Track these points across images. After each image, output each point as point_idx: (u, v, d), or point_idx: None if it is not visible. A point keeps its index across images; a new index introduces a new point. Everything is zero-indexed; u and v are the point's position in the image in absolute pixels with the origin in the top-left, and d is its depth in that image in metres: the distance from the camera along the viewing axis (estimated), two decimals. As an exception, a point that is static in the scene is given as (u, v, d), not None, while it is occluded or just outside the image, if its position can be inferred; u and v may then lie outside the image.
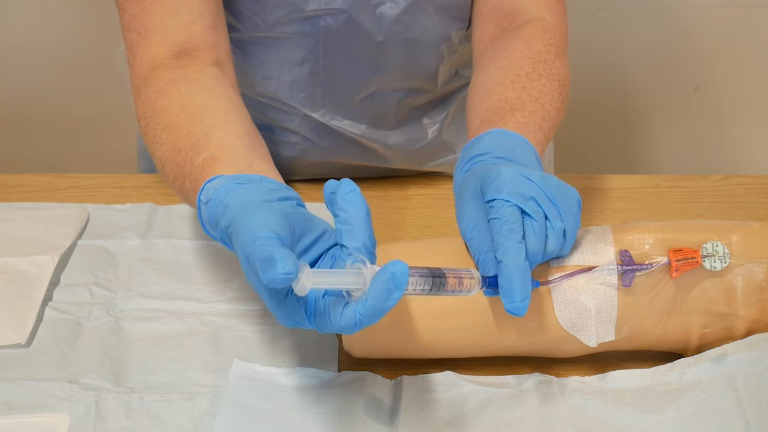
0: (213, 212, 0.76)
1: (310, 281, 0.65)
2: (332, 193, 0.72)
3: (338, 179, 0.72)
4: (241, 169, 0.80)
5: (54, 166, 1.68)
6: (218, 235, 0.77)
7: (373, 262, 0.70)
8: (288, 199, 0.76)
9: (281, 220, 0.70)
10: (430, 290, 0.73)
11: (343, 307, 0.68)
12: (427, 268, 0.73)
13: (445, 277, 0.73)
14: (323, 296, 0.70)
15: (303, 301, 0.70)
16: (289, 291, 0.70)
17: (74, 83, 1.88)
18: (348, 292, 0.68)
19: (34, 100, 1.89)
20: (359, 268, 0.68)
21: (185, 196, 0.86)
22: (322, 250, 0.73)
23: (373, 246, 0.71)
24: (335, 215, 0.72)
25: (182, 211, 1.06)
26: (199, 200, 0.80)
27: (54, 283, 0.96)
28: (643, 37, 1.82)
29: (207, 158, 0.82)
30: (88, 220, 1.05)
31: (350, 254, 0.70)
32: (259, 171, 0.81)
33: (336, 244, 0.73)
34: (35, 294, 0.93)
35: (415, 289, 0.72)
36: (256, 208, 0.72)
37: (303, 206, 0.76)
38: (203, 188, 0.80)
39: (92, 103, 1.89)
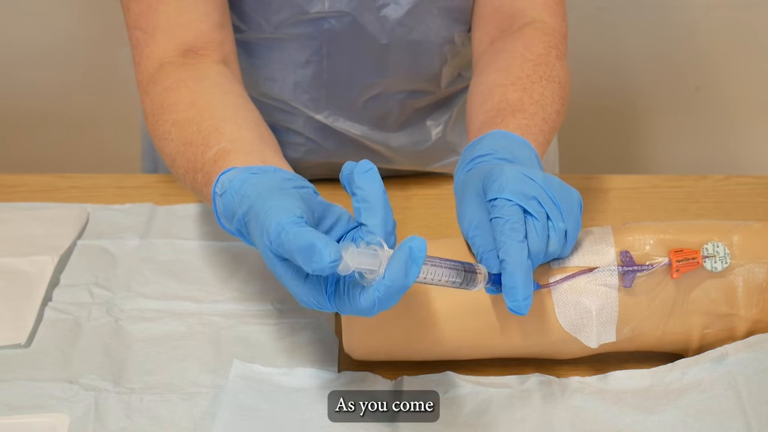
0: (229, 203, 0.76)
1: (355, 261, 0.66)
2: (349, 173, 0.72)
3: None
4: (253, 161, 0.80)
5: (54, 166, 1.68)
6: (234, 226, 0.76)
7: (392, 243, 0.70)
8: (303, 188, 0.75)
9: (301, 204, 0.71)
10: (461, 283, 0.74)
11: (362, 288, 0.68)
12: (459, 261, 0.74)
13: (475, 272, 0.74)
14: (343, 277, 0.70)
15: (324, 282, 0.70)
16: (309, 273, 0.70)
17: (75, 83, 1.88)
18: (360, 274, 0.68)
19: (35, 100, 1.89)
20: (375, 250, 0.68)
21: (197, 191, 0.85)
22: (341, 234, 0.73)
23: (393, 225, 0.71)
24: (353, 194, 0.72)
25: (182, 211, 1.06)
26: (214, 192, 0.80)
27: (54, 283, 0.96)
28: (644, 37, 1.82)
29: (219, 151, 0.82)
30: (87, 220, 1.05)
31: (370, 232, 0.70)
32: (272, 163, 0.81)
33: (354, 227, 0.73)
34: (35, 294, 0.93)
35: (447, 281, 0.73)
36: (274, 194, 0.72)
37: (318, 195, 0.76)
38: (218, 180, 0.79)
39: (92, 103, 1.89)
